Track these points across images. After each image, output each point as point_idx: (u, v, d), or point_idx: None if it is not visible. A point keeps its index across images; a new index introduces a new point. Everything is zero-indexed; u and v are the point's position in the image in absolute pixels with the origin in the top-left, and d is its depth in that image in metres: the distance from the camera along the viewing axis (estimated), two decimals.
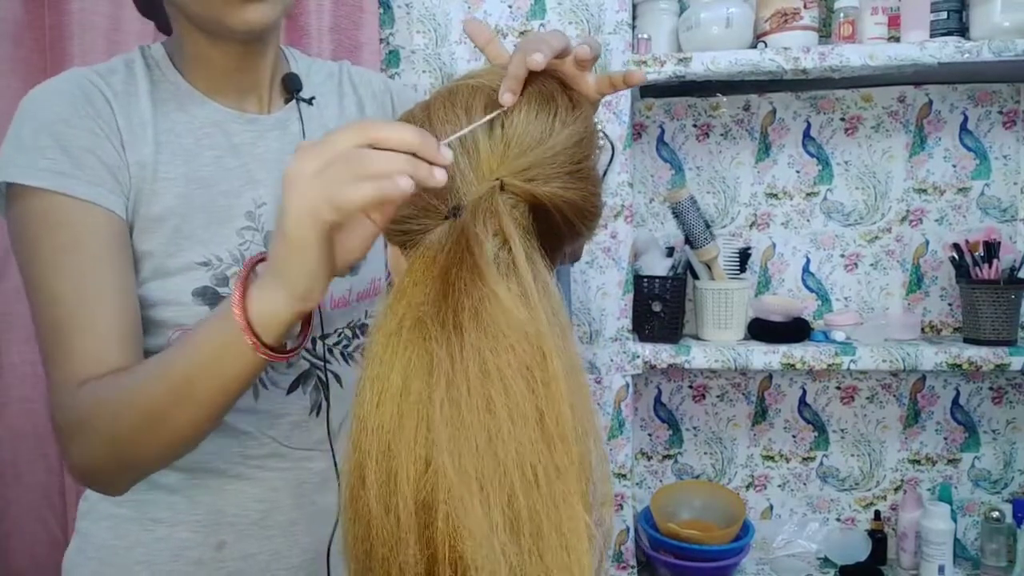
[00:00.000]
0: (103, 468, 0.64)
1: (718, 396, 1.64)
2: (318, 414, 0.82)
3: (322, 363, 0.82)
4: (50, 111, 0.69)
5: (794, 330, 1.46)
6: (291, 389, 0.80)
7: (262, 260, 0.58)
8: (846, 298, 1.59)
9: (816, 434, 1.61)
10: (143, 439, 0.61)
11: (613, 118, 1.39)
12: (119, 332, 0.66)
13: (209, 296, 0.73)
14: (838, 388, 1.59)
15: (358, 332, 0.86)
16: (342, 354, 0.84)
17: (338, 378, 0.84)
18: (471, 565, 0.42)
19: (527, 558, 0.43)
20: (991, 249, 1.39)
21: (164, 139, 0.74)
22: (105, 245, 0.68)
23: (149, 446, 0.61)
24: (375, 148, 0.47)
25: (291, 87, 0.81)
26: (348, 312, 0.84)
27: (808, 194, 1.59)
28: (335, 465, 0.81)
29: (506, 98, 0.51)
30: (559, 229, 0.55)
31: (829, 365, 1.37)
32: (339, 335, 0.84)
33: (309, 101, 0.83)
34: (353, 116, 0.88)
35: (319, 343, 0.82)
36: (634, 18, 1.47)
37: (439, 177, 0.47)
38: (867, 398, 1.59)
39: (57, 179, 0.66)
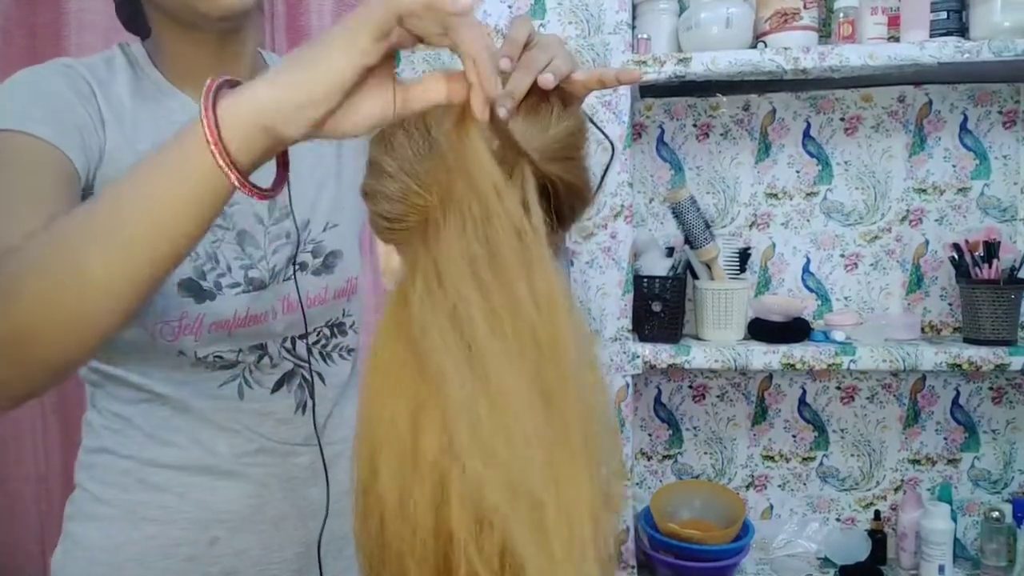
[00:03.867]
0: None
1: (718, 396, 1.63)
2: (303, 412, 0.83)
3: (305, 363, 0.83)
4: (32, 77, 0.70)
5: (794, 330, 1.46)
6: (275, 388, 0.82)
7: (229, 84, 0.49)
8: (846, 298, 1.59)
9: (816, 434, 1.61)
10: (50, 300, 0.47)
11: (613, 118, 1.38)
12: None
13: (194, 289, 0.74)
14: (838, 388, 1.59)
15: (335, 331, 0.87)
16: (320, 354, 0.85)
17: (321, 376, 0.85)
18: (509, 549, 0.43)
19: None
20: (991, 249, 1.39)
21: (142, 126, 0.74)
22: (54, 180, 0.65)
23: (56, 312, 0.47)
24: None
25: None
26: (326, 310, 0.85)
27: (808, 194, 1.59)
28: (323, 460, 0.82)
29: (500, 112, 0.49)
30: (559, 212, 0.56)
31: (829, 365, 1.37)
32: (318, 334, 0.85)
33: None
34: None
35: (299, 343, 0.83)
36: (634, 18, 1.47)
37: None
38: (867, 398, 1.59)
39: (22, 121, 0.65)
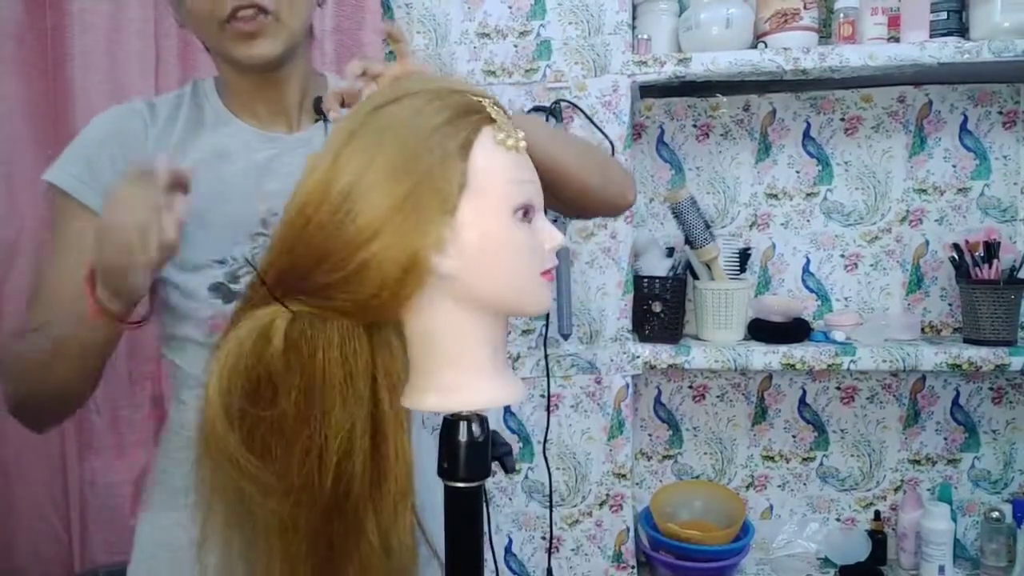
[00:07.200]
0: (19, 403, 0.78)
1: (718, 396, 1.64)
2: None
3: None
4: (95, 131, 0.84)
5: (794, 330, 1.46)
6: None
7: None
8: (846, 298, 1.59)
9: (816, 434, 1.61)
10: (37, 383, 0.76)
11: (613, 118, 1.39)
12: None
13: (223, 291, 0.81)
14: (838, 388, 1.59)
15: None
16: None
17: None
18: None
19: None
20: (991, 249, 1.39)
21: (187, 149, 0.84)
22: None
23: (43, 390, 0.76)
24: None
25: (317, 109, 0.90)
26: None
27: (808, 194, 1.59)
28: None
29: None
30: None
31: (829, 365, 1.37)
32: None
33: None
34: None
35: None
36: (634, 18, 1.47)
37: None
38: (867, 398, 1.59)
39: (75, 185, 0.80)
